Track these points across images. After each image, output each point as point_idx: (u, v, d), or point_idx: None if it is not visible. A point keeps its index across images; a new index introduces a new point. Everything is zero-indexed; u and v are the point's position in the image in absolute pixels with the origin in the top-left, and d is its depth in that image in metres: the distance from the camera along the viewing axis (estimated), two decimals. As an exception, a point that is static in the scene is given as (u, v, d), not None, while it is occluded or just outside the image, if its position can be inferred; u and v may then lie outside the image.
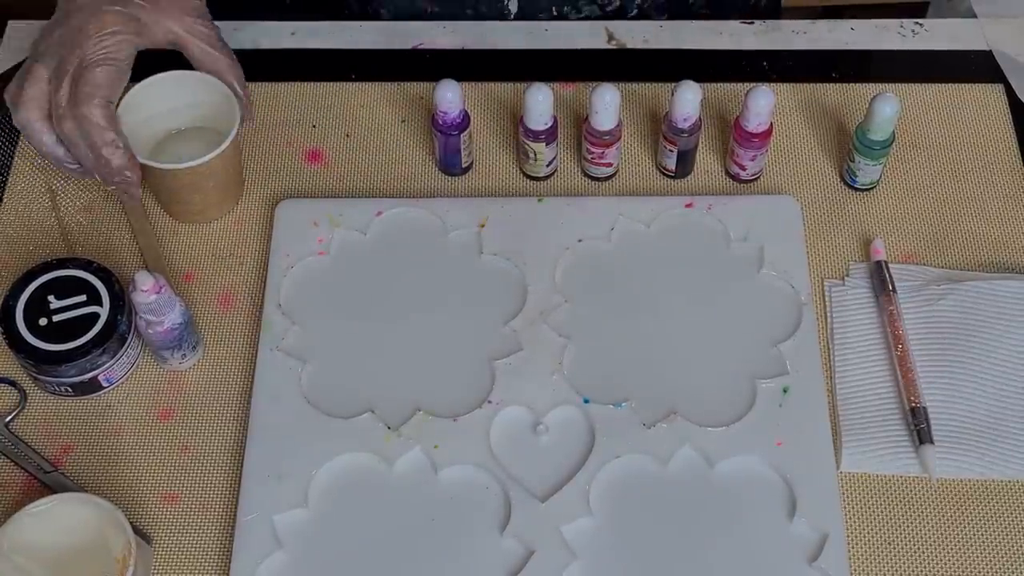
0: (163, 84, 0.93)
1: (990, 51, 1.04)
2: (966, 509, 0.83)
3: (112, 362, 0.86)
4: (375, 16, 1.08)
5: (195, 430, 0.87)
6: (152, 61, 0.92)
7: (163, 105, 0.93)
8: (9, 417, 0.87)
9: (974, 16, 1.07)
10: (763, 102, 0.91)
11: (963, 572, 0.81)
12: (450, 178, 0.98)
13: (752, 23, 1.06)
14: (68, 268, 0.87)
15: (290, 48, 1.05)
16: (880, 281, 0.91)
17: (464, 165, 0.97)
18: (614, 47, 1.05)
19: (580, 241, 0.93)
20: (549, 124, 0.93)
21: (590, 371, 0.88)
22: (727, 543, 0.81)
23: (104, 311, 0.85)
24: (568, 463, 0.84)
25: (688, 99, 0.91)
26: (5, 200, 0.97)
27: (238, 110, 0.91)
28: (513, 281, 0.91)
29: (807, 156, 0.99)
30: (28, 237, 0.95)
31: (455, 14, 1.07)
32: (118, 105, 0.87)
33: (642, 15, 1.09)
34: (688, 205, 0.94)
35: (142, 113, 0.92)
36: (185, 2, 0.91)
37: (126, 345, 0.86)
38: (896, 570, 0.81)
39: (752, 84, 0.92)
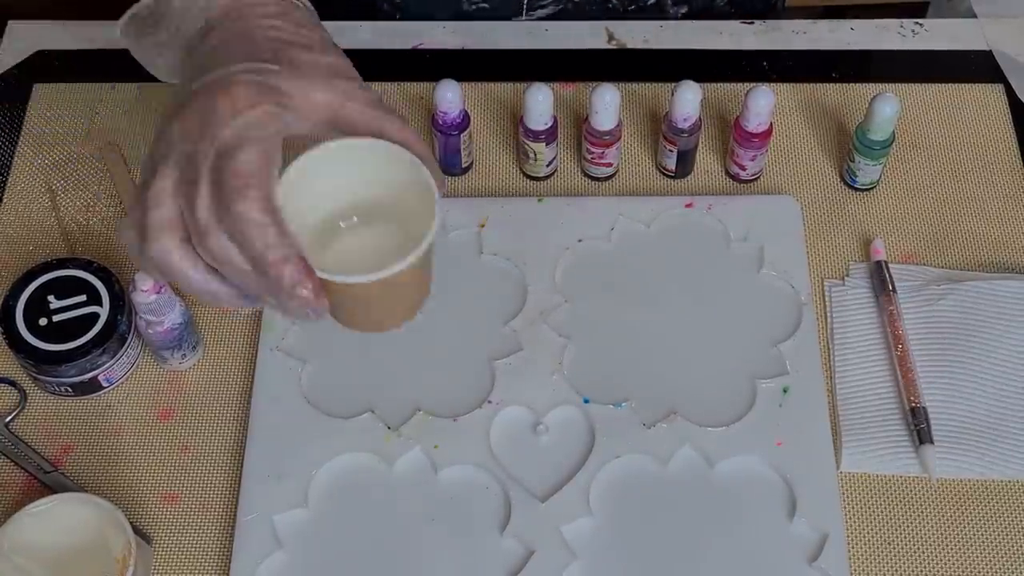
0: (319, 161, 0.68)
1: (990, 51, 1.04)
2: (966, 509, 0.83)
3: (112, 362, 0.86)
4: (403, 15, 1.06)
5: (195, 430, 0.87)
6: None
7: (321, 187, 0.69)
8: (9, 417, 0.87)
9: (974, 16, 1.07)
10: (763, 102, 0.91)
11: (963, 572, 0.81)
12: (450, 178, 0.98)
13: (752, 23, 1.06)
14: (68, 268, 0.87)
15: (290, 48, 1.05)
16: (880, 281, 0.91)
17: (464, 165, 0.97)
18: (614, 47, 1.05)
19: (580, 241, 0.93)
20: (549, 124, 0.93)
21: (590, 371, 0.88)
22: (727, 543, 0.81)
23: (104, 311, 0.85)
24: (568, 463, 0.84)
25: (688, 99, 0.91)
26: (5, 200, 0.97)
27: (430, 182, 0.67)
28: (513, 281, 0.91)
29: (807, 156, 0.99)
30: (28, 237, 0.95)
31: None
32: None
33: (659, 8, 1.08)
34: (688, 205, 0.94)
35: (297, 202, 0.67)
36: (332, 63, 0.70)
37: (126, 345, 0.86)
38: (896, 570, 0.81)
39: (752, 84, 0.92)
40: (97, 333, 0.84)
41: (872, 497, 0.84)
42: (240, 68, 0.67)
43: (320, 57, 0.70)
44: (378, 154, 0.68)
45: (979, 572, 0.81)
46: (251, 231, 0.63)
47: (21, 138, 1.00)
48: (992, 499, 0.83)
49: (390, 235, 0.69)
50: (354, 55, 0.79)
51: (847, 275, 0.93)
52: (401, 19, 1.07)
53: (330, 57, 0.70)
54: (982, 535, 0.82)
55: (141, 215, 0.65)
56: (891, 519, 0.83)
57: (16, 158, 0.99)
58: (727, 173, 0.97)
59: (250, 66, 0.67)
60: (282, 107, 0.66)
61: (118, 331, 0.85)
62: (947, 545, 0.82)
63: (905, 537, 0.82)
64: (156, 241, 0.65)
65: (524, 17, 1.07)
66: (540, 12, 1.07)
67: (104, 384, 0.87)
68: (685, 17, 1.09)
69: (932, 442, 0.84)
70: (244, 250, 0.64)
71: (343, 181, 0.69)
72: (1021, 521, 0.83)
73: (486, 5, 1.06)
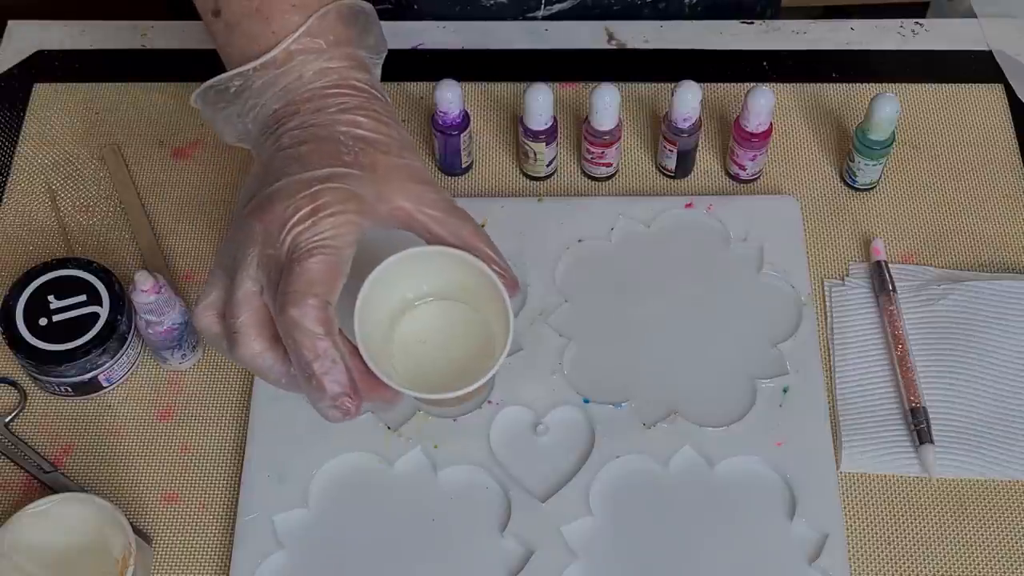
0: (394, 268, 0.73)
1: (990, 51, 1.04)
2: (966, 509, 0.83)
3: (112, 362, 0.86)
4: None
5: (195, 430, 0.87)
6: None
7: (397, 290, 0.75)
8: (9, 417, 0.87)
9: (974, 16, 1.07)
10: (763, 102, 0.91)
11: (963, 572, 0.81)
12: (450, 178, 0.98)
13: (752, 23, 1.06)
14: (68, 268, 0.87)
15: (290, 48, 1.05)
16: (880, 281, 0.91)
17: (464, 165, 0.97)
18: (614, 47, 1.05)
19: (580, 241, 0.93)
20: (549, 124, 0.93)
21: (590, 371, 0.87)
22: (727, 543, 0.81)
23: (104, 311, 0.85)
24: (568, 463, 0.84)
25: (688, 99, 0.91)
26: (5, 200, 0.97)
27: (501, 291, 0.72)
28: (513, 281, 0.91)
29: (807, 156, 0.99)
30: (28, 237, 0.95)
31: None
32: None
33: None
34: (688, 205, 0.94)
35: (375, 306, 0.73)
36: (409, 166, 0.72)
37: (126, 345, 0.86)
38: (896, 570, 0.81)
39: (752, 84, 0.92)
40: (97, 333, 0.84)
41: (872, 497, 0.84)
42: (324, 173, 0.69)
43: (398, 160, 0.72)
44: (451, 261, 0.72)
45: (979, 572, 0.81)
46: (301, 338, 0.66)
47: (21, 138, 1.00)
48: (992, 499, 0.83)
49: (461, 311, 0.74)
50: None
51: (847, 275, 0.93)
52: (417, 11, 1.07)
53: (406, 158, 0.72)
54: (982, 535, 0.82)
55: (230, 316, 0.69)
56: (891, 519, 0.83)
57: (16, 158, 0.99)
58: (727, 173, 0.97)
59: (335, 172, 0.69)
60: (362, 215, 0.69)
61: (118, 331, 0.85)
62: (947, 545, 0.82)
63: (905, 537, 0.82)
64: (246, 346, 0.69)
65: (542, 11, 1.07)
66: (557, 7, 1.07)
67: (104, 384, 0.87)
68: (698, 6, 1.08)
69: (932, 442, 0.84)
70: (292, 355, 0.67)
71: (418, 281, 0.75)
72: (1021, 521, 0.83)
73: (504, 0, 1.06)
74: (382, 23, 0.81)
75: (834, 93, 1.02)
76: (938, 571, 0.81)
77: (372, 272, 0.71)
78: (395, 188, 0.70)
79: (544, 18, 1.07)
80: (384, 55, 0.80)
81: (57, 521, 0.77)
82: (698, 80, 0.91)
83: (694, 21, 1.07)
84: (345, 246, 0.68)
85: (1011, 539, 0.82)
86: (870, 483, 0.84)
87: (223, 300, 0.70)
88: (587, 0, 1.07)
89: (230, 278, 0.70)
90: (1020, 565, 0.81)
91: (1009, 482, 0.84)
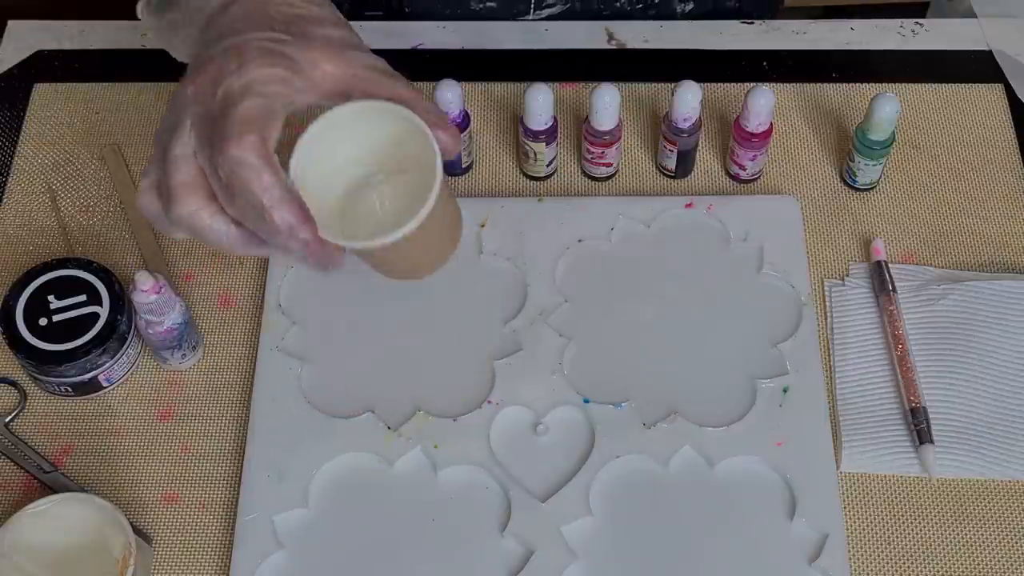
0: (332, 125, 0.69)
1: (990, 51, 1.04)
2: (966, 509, 0.83)
3: (112, 362, 0.86)
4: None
5: (195, 430, 0.87)
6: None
7: (342, 152, 0.71)
8: (9, 417, 0.87)
9: (974, 16, 1.07)
10: (763, 102, 0.91)
11: (963, 572, 0.81)
12: (450, 178, 0.98)
13: (752, 23, 1.06)
14: (68, 268, 0.87)
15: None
16: (880, 281, 0.91)
17: (464, 165, 0.97)
18: (614, 47, 1.05)
19: (580, 241, 0.93)
20: (549, 124, 0.93)
21: (590, 371, 0.88)
22: (727, 543, 0.81)
23: (104, 311, 0.85)
24: (568, 463, 0.84)
25: (688, 99, 0.91)
26: (5, 200, 0.97)
27: (429, 136, 0.68)
28: (513, 281, 0.91)
29: (807, 156, 0.99)
30: (28, 237, 0.95)
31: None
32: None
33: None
34: (688, 205, 0.94)
35: (320, 168, 0.69)
36: (343, 36, 0.71)
37: (126, 345, 0.86)
38: (896, 570, 0.81)
39: (752, 84, 0.92)
40: (97, 333, 0.84)
41: (872, 497, 0.84)
42: (253, 36, 0.68)
43: (331, 31, 0.71)
44: (387, 114, 0.69)
45: (979, 572, 0.81)
46: (247, 175, 0.63)
47: (21, 138, 1.00)
48: (992, 499, 0.83)
49: (412, 188, 0.70)
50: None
51: (847, 275, 0.93)
52: (408, 13, 1.07)
53: (341, 31, 0.71)
54: (982, 535, 0.82)
55: (165, 179, 0.66)
56: (891, 519, 0.83)
57: (16, 158, 0.99)
58: (727, 173, 0.97)
59: (263, 35, 0.68)
60: (292, 72, 0.67)
61: (118, 331, 0.85)
62: (947, 545, 0.82)
63: (905, 537, 0.82)
64: (183, 204, 0.65)
65: (531, 16, 1.07)
66: (547, 11, 1.07)
67: (104, 384, 0.87)
68: (691, 14, 1.08)
69: (932, 442, 0.84)
70: (241, 195, 0.64)
71: (363, 143, 0.71)
72: (1021, 521, 0.83)
73: (493, 4, 1.06)
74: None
75: (834, 93, 1.02)
76: (938, 571, 0.81)
77: (311, 125, 0.68)
78: (326, 54, 0.69)
79: (534, 21, 1.07)
80: None
81: (57, 521, 0.77)
82: (698, 80, 0.91)
83: (694, 21, 1.07)
84: (276, 93, 0.66)
85: (1011, 539, 0.82)
86: (870, 483, 0.84)
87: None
88: (575, 5, 1.07)
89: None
90: (1020, 565, 0.81)
91: (1009, 482, 0.84)
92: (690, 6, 1.09)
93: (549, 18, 1.07)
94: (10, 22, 1.07)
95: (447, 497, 0.83)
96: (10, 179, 0.98)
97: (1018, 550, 0.82)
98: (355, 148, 0.70)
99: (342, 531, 0.82)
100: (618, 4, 1.07)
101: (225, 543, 0.82)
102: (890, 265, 0.92)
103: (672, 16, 1.08)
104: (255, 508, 0.82)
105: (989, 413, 0.86)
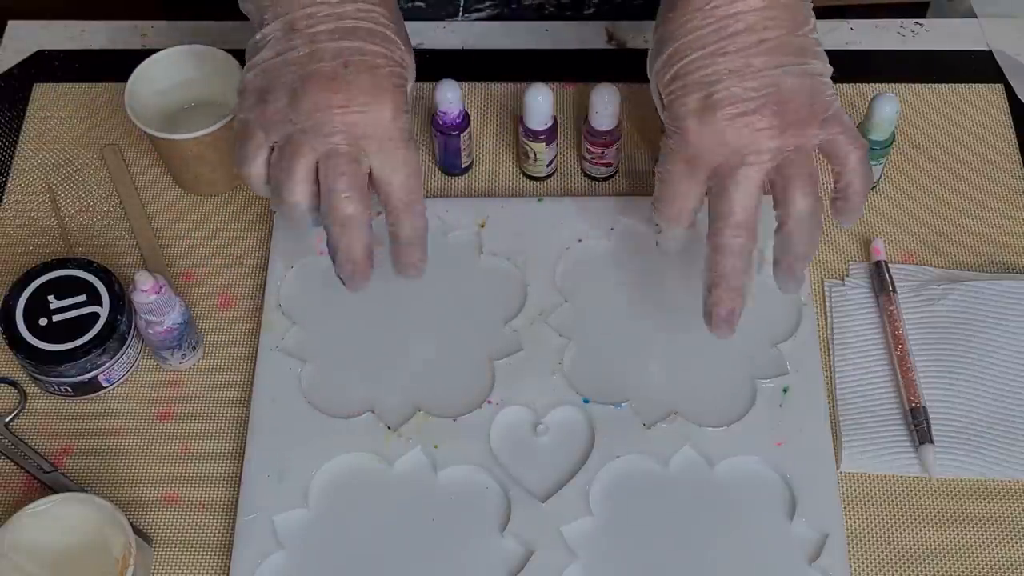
0: (171, 58, 0.93)
1: (990, 51, 1.04)
2: (966, 509, 0.83)
3: (112, 362, 0.86)
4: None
5: (195, 430, 0.87)
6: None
7: (172, 79, 0.94)
8: (9, 417, 0.87)
9: (974, 16, 1.07)
10: (763, 102, 0.90)
11: (963, 572, 0.81)
12: (450, 178, 0.98)
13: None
14: (68, 268, 0.87)
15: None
16: (880, 281, 0.91)
17: (464, 165, 0.97)
18: (614, 47, 1.05)
19: (580, 241, 0.93)
20: (549, 124, 0.93)
21: (590, 371, 0.88)
22: (727, 543, 0.81)
23: (104, 311, 0.85)
24: (568, 463, 0.84)
25: (688, 99, 0.91)
26: (5, 200, 0.97)
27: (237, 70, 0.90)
28: (513, 281, 0.91)
29: (807, 156, 0.99)
30: (28, 237, 0.95)
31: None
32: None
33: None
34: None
35: (153, 86, 0.93)
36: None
37: (126, 345, 0.86)
38: (896, 570, 0.81)
39: (752, 84, 0.92)
40: (97, 333, 0.84)
41: (872, 497, 0.84)
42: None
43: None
44: (207, 58, 0.93)
45: (979, 572, 0.81)
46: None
47: (21, 138, 1.00)
48: (992, 499, 0.84)
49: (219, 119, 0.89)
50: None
51: (847, 275, 0.93)
52: None
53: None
54: (982, 535, 0.82)
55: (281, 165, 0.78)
56: (891, 519, 0.83)
57: (16, 158, 0.99)
58: (727, 173, 0.97)
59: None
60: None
61: (118, 331, 0.85)
62: (947, 545, 0.82)
63: (905, 537, 0.82)
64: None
65: (460, 18, 1.07)
66: (476, 15, 1.07)
67: (104, 384, 0.87)
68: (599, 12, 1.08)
69: (932, 442, 0.84)
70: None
71: (184, 78, 0.94)
72: (1021, 521, 0.83)
73: (421, 4, 1.06)
74: None
75: (834, 93, 1.02)
76: (938, 571, 0.81)
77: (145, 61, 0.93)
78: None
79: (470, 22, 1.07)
80: None
81: (57, 521, 0.77)
82: (698, 80, 0.91)
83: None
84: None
85: (1011, 539, 0.82)
86: (870, 483, 0.84)
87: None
88: (504, 10, 1.07)
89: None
90: (1020, 565, 0.81)
91: (1009, 482, 0.84)
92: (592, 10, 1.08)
93: (477, 20, 1.07)
94: (10, 22, 1.07)
95: (447, 497, 0.83)
96: (10, 179, 0.98)
97: (1018, 550, 0.82)
98: (182, 77, 0.94)
99: (342, 531, 0.82)
100: (547, 12, 1.07)
101: (225, 543, 0.82)
102: (890, 265, 0.92)
103: (593, 18, 1.08)
104: (255, 508, 0.82)
105: (989, 413, 0.86)
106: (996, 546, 0.82)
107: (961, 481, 0.84)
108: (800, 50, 0.78)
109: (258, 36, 0.80)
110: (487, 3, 1.07)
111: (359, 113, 0.76)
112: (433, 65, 1.03)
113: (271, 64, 0.78)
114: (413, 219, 0.80)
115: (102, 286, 0.86)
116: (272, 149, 0.79)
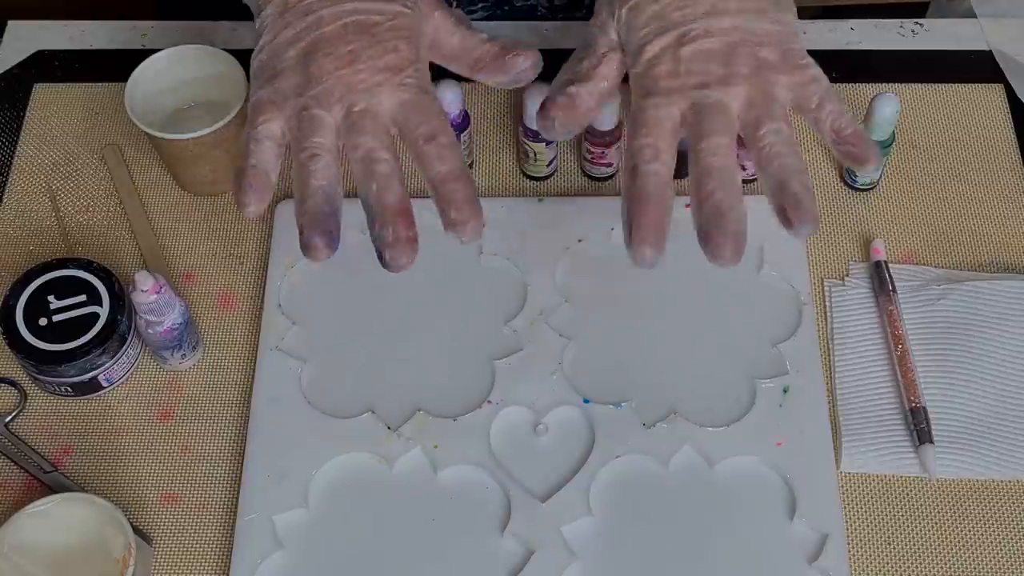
0: (171, 59, 0.94)
1: (990, 51, 1.04)
2: (966, 509, 0.83)
3: (112, 362, 0.86)
4: None
5: (195, 430, 0.87)
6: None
7: (172, 79, 0.94)
8: (9, 417, 0.87)
9: (974, 16, 1.07)
10: (763, 102, 0.90)
11: (963, 572, 0.81)
12: (450, 178, 0.98)
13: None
14: (68, 268, 0.87)
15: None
16: (880, 281, 0.91)
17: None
18: (614, 47, 1.05)
19: (580, 241, 0.93)
20: (549, 124, 0.93)
21: (590, 371, 0.88)
22: (727, 543, 0.81)
23: (104, 311, 0.85)
24: (568, 463, 0.84)
25: (688, 99, 0.91)
26: (5, 200, 0.97)
27: (245, 82, 0.89)
28: (513, 281, 0.91)
29: (807, 156, 0.99)
30: (28, 237, 0.95)
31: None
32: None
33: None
34: (688, 206, 0.94)
35: (153, 86, 0.93)
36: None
37: (126, 345, 0.86)
38: (896, 570, 0.81)
39: (752, 84, 0.92)
40: (97, 333, 0.84)
41: (872, 497, 0.84)
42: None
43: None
44: (207, 58, 0.94)
45: (979, 572, 0.81)
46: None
47: (21, 138, 1.00)
48: (992, 499, 0.84)
49: (219, 118, 0.90)
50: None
51: (847, 275, 0.93)
52: None
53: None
54: (982, 535, 0.82)
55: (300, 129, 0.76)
56: (891, 519, 0.83)
57: (16, 158, 0.99)
58: (727, 173, 0.97)
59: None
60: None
61: (118, 331, 0.85)
62: (947, 545, 0.82)
63: (905, 537, 0.82)
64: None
65: None
66: (469, 17, 1.07)
67: (104, 384, 0.87)
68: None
69: (932, 442, 0.84)
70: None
71: (183, 78, 0.95)
72: (1021, 521, 0.83)
73: None
74: None
75: (834, 93, 1.02)
76: (938, 571, 0.81)
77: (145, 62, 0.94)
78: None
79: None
80: None
81: (57, 521, 0.77)
82: (698, 80, 0.91)
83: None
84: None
85: (1011, 539, 0.82)
86: (870, 483, 0.84)
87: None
88: (497, 11, 1.06)
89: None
90: (1020, 565, 0.81)
91: (1009, 482, 0.84)
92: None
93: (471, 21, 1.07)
94: (10, 22, 1.07)
95: (447, 497, 0.83)
96: (10, 179, 0.98)
97: (1018, 550, 0.82)
98: (182, 77, 0.95)
99: (342, 531, 0.82)
100: (540, 12, 1.06)
101: (225, 543, 0.82)
102: (890, 265, 0.92)
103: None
104: (255, 508, 0.82)
105: (989, 413, 0.86)
106: (996, 546, 0.82)
107: (961, 481, 0.84)
108: (775, 2, 0.79)
109: (257, 23, 0.80)
110: (479, 5, 1.07)
111: (365, 72, 0.76)
112: (433, 65, 1.03)
113: (274, 43, 0.78)
114: (453, 154, 0.75)
115: (102, 286, 0.86)
116: (284, 137, 0.77)
